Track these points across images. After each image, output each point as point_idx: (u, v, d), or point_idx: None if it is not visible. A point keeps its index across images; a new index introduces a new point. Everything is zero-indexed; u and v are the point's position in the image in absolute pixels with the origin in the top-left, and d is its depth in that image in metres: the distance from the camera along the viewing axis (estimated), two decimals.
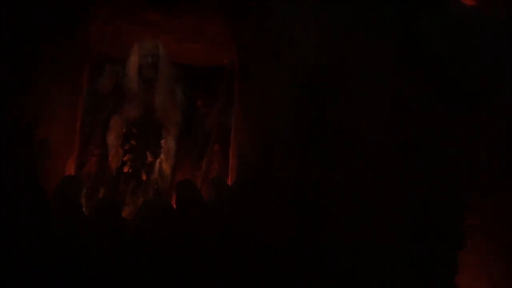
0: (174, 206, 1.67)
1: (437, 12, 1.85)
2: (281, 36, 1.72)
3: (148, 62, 1.99)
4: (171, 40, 2.45)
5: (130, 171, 2.01)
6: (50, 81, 1.93)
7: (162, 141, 2.07)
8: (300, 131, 1.67)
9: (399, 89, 1.73)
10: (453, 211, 1.70)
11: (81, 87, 2.30)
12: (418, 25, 1.82)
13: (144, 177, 2.02)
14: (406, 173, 1.66)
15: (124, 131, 2.05)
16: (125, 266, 1.48)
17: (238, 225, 1.56)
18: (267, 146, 1.68)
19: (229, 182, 2.27)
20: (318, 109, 1.68)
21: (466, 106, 1.79)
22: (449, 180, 1.71)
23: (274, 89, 1.70)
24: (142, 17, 2.30)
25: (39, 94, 1.83)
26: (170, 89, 2.04)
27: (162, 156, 2.06)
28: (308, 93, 1.69)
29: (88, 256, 1.47)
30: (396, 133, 1.69)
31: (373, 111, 1.69)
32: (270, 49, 1.73)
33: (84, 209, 1.72)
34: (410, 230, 1.62)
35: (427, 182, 1.67)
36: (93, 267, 1.46)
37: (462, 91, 1.79)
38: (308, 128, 1.67)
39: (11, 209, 1.48)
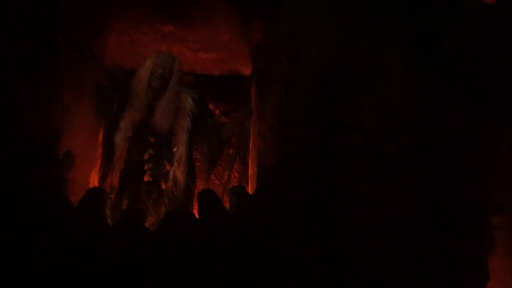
0: (197, 216, 1.68)
1: (452, 7, 1.82)
2: (294, 40, 1.71)
3: (158, 73, 1.99)
4: (186, 49, 2.49)
5: (150, 180, 2.03)
6: (70, 93, 1.98)
7: (174, 149, 2.08)
8: (317, 133, 1.66)
9: (414, 86, 1.70)
10: (477, 212, 1.66)
11: None
12: (433, 21, 1.79)
13: (163, 186, 2.03)
14: (425, 172, 1.62)
15: (130, 134, 2.06)
16: (149, 276, 1.49)
17: (261, 234, 1.56)
18: (286, 152, 1.68)
19: (249, 190, 2.29)
20: (334, 110, 1.67)
21: (485, 101, 1.75)
22: (471, 178, 1.66)
23: (290, 92, 1.69)
24: (157, 28, 2.34)
25: (60, 106, 1.88)
26: (174, 101, 2.03)
27: (175, 163, 2.07)
28: (324, 94, 1.68)
29: (113, 267, 1.49)
30: (413, 131, 1.66)
31: (388, 109, 1.67)
32: (283, 53, 1.72)
33: (109, 221, 1.75)
34: (432, 233, 1.59)
35: (448, 181, 1.64)
36: (118, 278, 1.48)
37: (481, 87, 1.75)
38: (325, 130, 1.66)
39: (37, 221, 1.51)
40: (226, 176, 2.29)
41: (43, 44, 1.68)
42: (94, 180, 2.35)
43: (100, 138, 2.38)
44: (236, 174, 2.61)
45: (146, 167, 2.01)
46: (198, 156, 2.48)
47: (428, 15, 1.78)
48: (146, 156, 2.02)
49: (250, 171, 2.45)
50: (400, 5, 1.76)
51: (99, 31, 2.19)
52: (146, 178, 1.99)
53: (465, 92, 1.71)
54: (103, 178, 2.30)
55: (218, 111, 2.72)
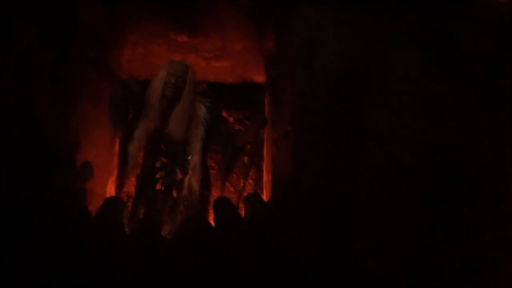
0: (213, 224, 1.69)
1: (466, 10, 1.79)
2: (308, 48, 1.72)
3: (172, 82, 2.02)
4: (199, 59, 2.52)
5: (162, 188, 2.04)
6: (87, 104, 2.02)
7: (189, 157, 2.10)
8: (331, 140, 1.65)
9: (430, 91, 1.68)
10: (496, 218, 1.62)
11: None
12: (447, 25, 1.77)
13: (175, 194, 2.05)
14: (443, 178, 1.60)
15: (144, 143, 2.09)
16: (166, 284, 1.50)
17: (276, 242, 1.55)
18: (301, 159, 1.68)
19: (264, 197, 2.29)
20: (349, 117, 1.66)
21: (502, 104, 1.71)
22: (491, 184, 1.63)
23: (304, 100, 1.69)
24: (171, 38, 2.38)
25: (78, 117, 1.92)
26: (188, 111, 2.05)
27: (190, 172, 2.08)
28: (338, 101, 1.67)
29: (131, 275, 1.51)
30: (430, 136, 1.64)
31: (404, 115, 1.65)
32: (297, 61, 1.73)
33: (126, 229, 1.77)
34: (450, 240, 1.56)
35: (467, 187, 1.60)
36: (136, 287, 1.49)
37: (498, 89, 1.72)
38: (339, 137, 1.65)
39: (57, 231, 1.54)
40: (241, 184, 2.29)
41: (60, 57, 1.73)
42: (111, 189, 2.38)
43: (116, 148, 2.42)
44: (250, 181, 2.62)
45: (158, 175, 2.03)
46: (213, 164, 2.50)
47: (442, 20, 1.76)
48: (158, 165, 2.04)
49: (264, 178, 2.45)
50: (414, 10, 1.74)
51: (115, 43, 2.24)
52: (158, 187, 2.01)
53: (482, 95, 1.68)
54: (119, 187, 2.33)
55: (231, 118, 2.74)
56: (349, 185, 1.59)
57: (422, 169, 1.59)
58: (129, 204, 2.20)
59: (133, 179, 2.32)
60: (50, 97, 1.66)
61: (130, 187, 2.42)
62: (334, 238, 1.54)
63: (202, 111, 2.09)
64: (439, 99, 1.66)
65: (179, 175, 2.03)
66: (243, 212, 1.98)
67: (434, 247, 1.53)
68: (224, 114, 2.65)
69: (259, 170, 2.59)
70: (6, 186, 1.46)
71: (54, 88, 1.69)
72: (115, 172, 2.43)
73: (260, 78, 2.61)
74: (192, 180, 2.04)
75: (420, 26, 1.73)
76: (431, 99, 1.66)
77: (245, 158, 2.52)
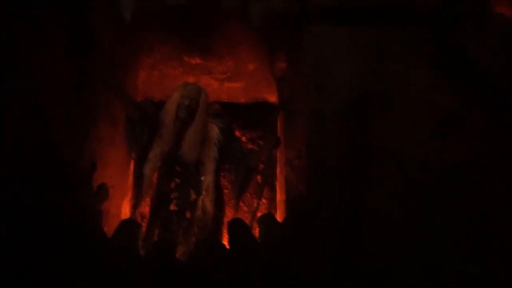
0: (227, 246, 1.68)
1: (479, 26, 1.79)
2: (320, 68, 1.73)
3: (185, 104, 2.05)
4: (212, 80, 2.56)
5: (176, 209, 2.05)
6: (103, 126, 2.06)
7: (202, 178, 2.10)
8: (346, 160, 1.64)
9: (444, 107, 1.67)
10: None
11: None
12: (460, 41, 1.77)
13: (188, 215, 2.05)
14: (460, 195, 1.57)
15: (158, 164, 2.11)
16: None
17: (291, 262, 1.53)
18: (315, 179, 1.67)
19: (278, 216, 2.27)
20: (362, 136, 1.65)
21: None
22: (508, 201, 1.59)
23: (317, 120, 1.70)
24: (185, 61, 2.43)
25: (95, 139, 1.95)
26: (202, 132, 2.07)
27: (203, 192, 2.08)
28: (351, 120, 1.67)
29: None
30: (445, 153, 1.62)
31: (418, 132, 1.64)
32: (309, 82, 1.74)
33: (141, 251, 1.77)
34: (469, 257, 1.51)
35: (486, 205, 1.57)
36: None
37: None
38: (353, 156, 1.64)
39: (73, 253, 1.55)
40: (255, 204, 2.28)
41: (78, 81, 1.78)
42: (125, 209, 2.40)
43: (131, 168, 2.45)
44: (264, 200, 2.60)
45: (172, 196, 2.04)
46: (226, 183, 2.50)
47: (454, 36, 1.77)
48: (172, 185, 2.05)
49: (278, 197, 2.44)
50: (425, 28, 1.76)
51: (131, 66, 2.30)
52: (172, 207, 2.02)
53: (497, 110, 1.66)
54: (134, 207, 2.35)
55: (244, 138, 2.75)
56: (364, 204, 1.58)
57: (437, 187, 1.57)
58: (143, 224, 2.21)
59: (147, 199, 2.33)
60: (68, 121, 1.69)
61: (145, 207, 2.44)
62: (350, 258, 1.52)
63: (215, 132, 2.11)
64: (454, 115, 1.65)
65: (193, 196, 2.04)
66: (257, 231, 1.97)
67: (449, 265, 1.49)
68: (237, 133, 2.66)
69: (273, 190, 2.58)
70: (24, 208, 1.49)
71: (71, 111, 1.73)
72: (129, 193, 2.45)
73: (273, 97, 2.63)
74: (205, 201, 2.05)
75: (433, 43, 1.74)
76: (445, 116, 1.65)
77: (259, 178, 2.51)
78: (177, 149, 2.07)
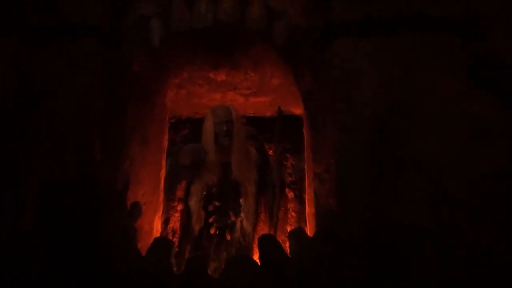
0: (258, 262, 1.69)
1: (508, 30, 1.74)
2: (346, 81, 1.73)
3: (223, 130, 2.05)
4: (238, 95, 2.60)
5: (217, 232, 2.05)
6: (136, 146, 2.12)
7: (241, 200, 2.10)
8: (376, 173, 1.62)
9: (476, 116, 1.62)
10: None
11: (164, 147, 2.51)
12: (490, 47, 1.72)
13: (228, 237, 2.04)
14: (495, 205, 1.51)
15: (204, 193, 2.11)
16: None
17: (323, 278, 1.52)
18: (345, 193, 1.65)
19: (308, 230, 2.25)
20: (392, 148, 1.63)
21: None
22: None
23: (345, 133, 1.69)
24: (211, 78, 2.48)
25: (128, 159, 2.02)
26: (244, 148, 2.08)
27: (242, 214, 2.08)
28: (380, 132, 1.65)
29: None
30: (478, 163, 1.57)
31: (450, 142, 1.60)
32: (336, 95, 1.74)
33: (174, 269, 1.80)
34: (506, 269, 1.45)
35: None
36: None
37: None
38: (383, 168, 1.62)
39: (110, 272, 1.60)
40: (275, 218, 2.27)
41: (113, 105, 1.86)
42: (157, 225, 2.45)
43: (161, 185, 2.51)
44: (293, 213, 2.60)
45: (211, 220, 2.05)
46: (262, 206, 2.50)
47: (483, 42, 1.72)
48: (211, 208, 2.06)
49: (307, 210, 2.42)
50: (452, 36, 1.72)
51: (160, 86, 2.37)
52: (212, 231, 2.02)
53: None
54: (165, 223, 2.40)
55: (271, 152, 2.77)
56: (395, 217, 1.55)
57: (470, 198, 1.52)
58: (175, 239, 2.24)
59: (177, 214, 2.38)
60: (104, 143, 1.76)
61: (175, 222, 2.48)
62: (383, 272, 1.49)
63: (253, 153, 2.12)
64: (486, 124, 1.61)
65: (232, 218, 2.04)
66: (287, 245, 1.96)
67: (487, 277, 1.43)
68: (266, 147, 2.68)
69: (302, 203, 2.57)
70: (61, 228, 1.55)
71: (107, 135, 1.80)
72: (160, 208, 2.51)
73: (298, 110, 2.64)
74: (244, 223, 2.04)
75: (461, 51, 1.70)
76: (477, 125, 1.61)
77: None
78: (228, 174, 2.08)
